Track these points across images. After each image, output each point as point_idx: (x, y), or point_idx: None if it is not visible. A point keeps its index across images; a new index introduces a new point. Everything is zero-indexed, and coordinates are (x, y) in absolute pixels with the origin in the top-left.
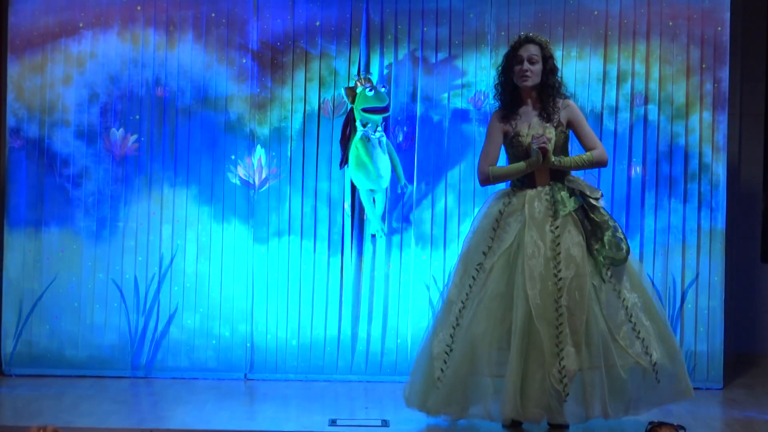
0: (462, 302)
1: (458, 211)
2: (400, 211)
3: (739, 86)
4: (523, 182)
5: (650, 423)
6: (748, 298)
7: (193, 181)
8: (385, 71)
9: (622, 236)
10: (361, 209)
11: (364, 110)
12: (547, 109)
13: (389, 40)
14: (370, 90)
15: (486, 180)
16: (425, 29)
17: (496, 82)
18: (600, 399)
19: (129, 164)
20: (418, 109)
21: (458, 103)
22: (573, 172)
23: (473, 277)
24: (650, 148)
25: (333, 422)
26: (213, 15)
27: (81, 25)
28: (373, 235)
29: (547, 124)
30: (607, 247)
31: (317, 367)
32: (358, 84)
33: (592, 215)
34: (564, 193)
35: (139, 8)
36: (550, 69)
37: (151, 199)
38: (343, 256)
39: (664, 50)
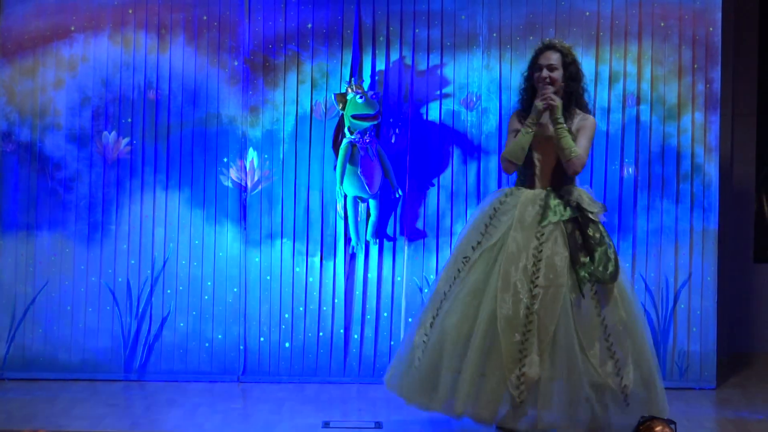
0: (444, 293)
1: (450, 212)
2: (394, 213)
3: (731, 87)
4: (523, 182)
5: (642, 417)
6: (740, 298)
7: (186, 184)
8: (377, 75)
9: (612, 257)
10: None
11: (354, 117)
12: (568, 110)
13: (381, 42)
14: (361, 97)
15: (504, 162)
16: (417, 31)
17: (521, 87)
18: (555, 410)
19: (121, 167)
20: (410, 111)
21: (450, 104)
22: (579, 184)
23: (458, 270)
24: (642, 148)
25: (326, 424)
26: (205, 18)
27: (72, 28)
28: (356, 245)
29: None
30: (596, 264)
31: (310, 370)
32: (349, 90)
33: (586, 229)
34: (557, 201)
35: (130, 11)
36: (570, 75)
37: (144, 203)
38: (336, 258)
39: (655, 51)
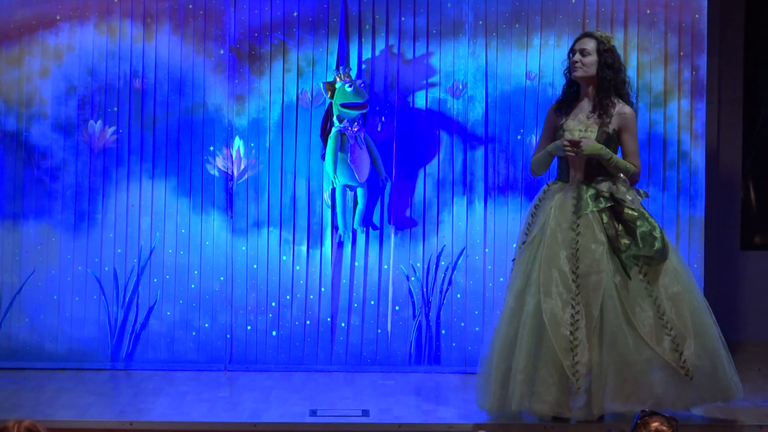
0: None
1: (437, 200)
2: (380, 203)
3: (717, 74)
4: (560, 175)
5: (642, 412)
6: (728, 285)
7: (172, 172)
8: (363, 64)
9: (658, 235)
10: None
11: (343, 105)
12: (601, 104)
13: (367, 30)
14: (350, 86)
15: (531, 169)
16: (403, 19)
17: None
18: (610, 393)
19: (107, 156)
20: (396, 99)
21: (436, 92)
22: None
23: (512, 270)
24: None
25: (313, 413)
26: (190, 6)
27: (58, 17)
28: (343, 234)
29: (593, 122)
30: (641, 244)
31: (297, 358)
32: (338, 79)
33: (625, 212)
34: (590, 193)
35: (116, 0)
36: (605, 63)
37: (130, 192)
38: (323, 246)
39: (641, 38)
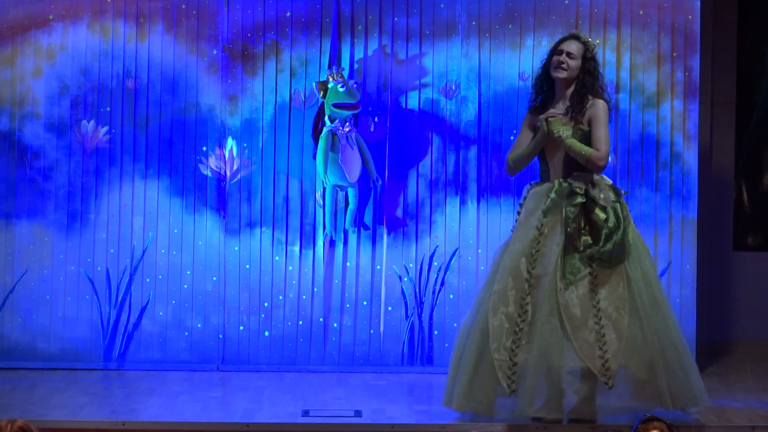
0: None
1: (429, 200)
2: (372, 203)
3: (710, 75)
4: (541, 176)
5: (643, 416)
6: (720, 286)
7: (165, 172)
8: (356, 64)
9: (618, 239)
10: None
11: (335, 106)
12: (575, 107)
13: (359, 30)
14: (342, 86)
15: (508, 167)
16: (396, 19)
17: (537, 73)
18: (538, 396)
19: (100, 156)
20: (389, 99)
21: (429, 92)
22: (605, 174)
23: (494, 272)
24: (622, 136)
25: (306, 413)
26: (183, 6)
27: (51, 17)
28: (332, 234)
29: (568, 121)
30: (600, 246)
31: (290, 359)
32: (330, 78)
33: (591, 214)
34: (564, 191)
35: (109, 0)
36: (588, 70)
37: (123, 192)
38: (315, 247)
39: (634, 39)
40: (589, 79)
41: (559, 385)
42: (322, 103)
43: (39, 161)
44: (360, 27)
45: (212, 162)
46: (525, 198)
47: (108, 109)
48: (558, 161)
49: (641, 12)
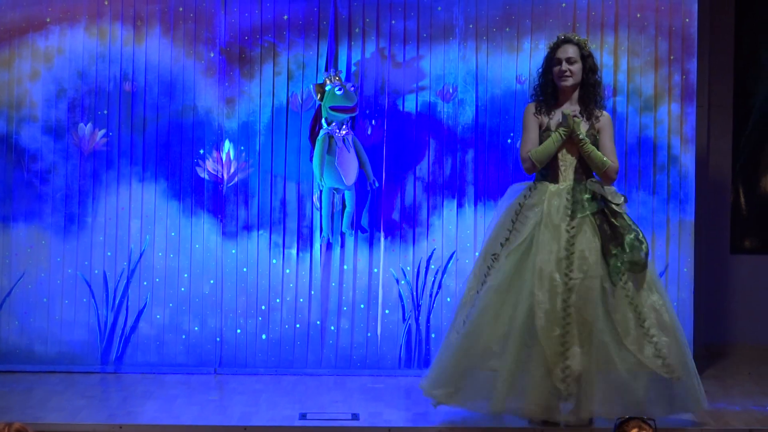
0: (477, 291)
1: (427, 203)
2: (369, 206)
3: (707, 78)
4: (545, 176)
5: (619, 418)
6: (717, 289)
7: (162, 175)
8: (353, 67)
9: (643, 240)
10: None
11: (332, 108)
12: (587, 109)
13: (357, 33)
14: (339, 89)
15: (529, 163)
16: (393, 22)
17: (536, 83)
18: (599, 400)
19: (97, 159)
20: (386, 102)
21: (426, 95)
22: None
23: (488, 267)
24: (619, 139)
25: (303, 416)
26: (180, 9)
27: (48, 20)
28: (330, 237)
29: (583, 121)
30: (627, 251)
31: (287, 362)
32: (327, 81)
33: (612, 220)
34: (586, 196)
35: (106, 3)
36: (589, 68)
37: (120, 195)
38: (312, 250)
39: (632, 42)
40: (591, 76)
41: (620, 387)
42: (319, 105)
43: (36, 164)
44: (357, 30)
45: (209, 165)
46: (526, 196)
47: (105, 112)
48: (570, 163)
49: (638, 15)
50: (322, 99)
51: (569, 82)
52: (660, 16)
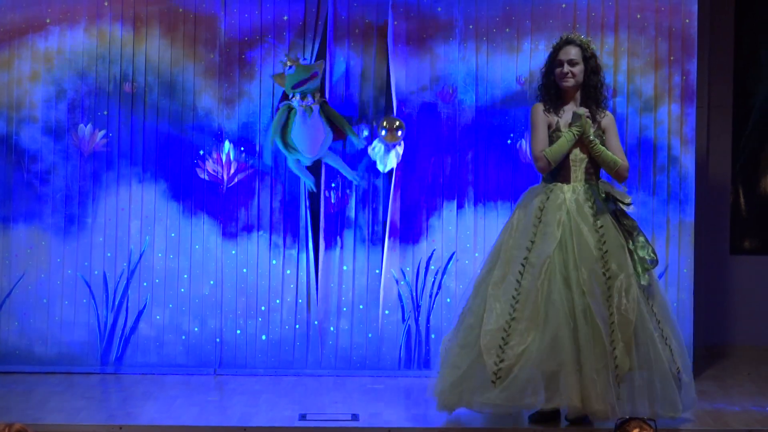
0: (514, 297)
1: (427, 204)
2: (370, 206)
3: (707, 79)
4: (556, 176)
5: (619, 419)
6: (717, 290)
7: (162, 176)
8: (352, 62)
9: (650, 244)
10: (329, 204)
11: (295, 87)
12: (590, 109)
13: (356, 34)
14: (290, 68)
15: (544, 162)
16: (396, 23)
17: (539, 84)
18: (648, 399)
19: (97, 160)
20: (386, 103)
21: (426, 96)
22: (603, 176)
23: (520, 273)
24: (619, 140)
25: (303, 417)
26: (180, 10)
27: (48, 21)
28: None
29: (589, 121)
30: (643, 249)
31: (287, 362)
32: (285, 66)
33: (623, 220)
34: (602, 195)
35: (106, 4)
36: (591, 69)
37: (120, 195)
38: (310, 251)
39: (632, 43)
40: (594, 77)
41: (665, 384)
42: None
43: (36, 165)
44: (357, 30)
45: (209, 166)
46: (546, 198)
47: (105, 112)
48: (581, 162)
49: (638, 16)
50: (286, 86)
51: (570, 83)
52: (660, 16)
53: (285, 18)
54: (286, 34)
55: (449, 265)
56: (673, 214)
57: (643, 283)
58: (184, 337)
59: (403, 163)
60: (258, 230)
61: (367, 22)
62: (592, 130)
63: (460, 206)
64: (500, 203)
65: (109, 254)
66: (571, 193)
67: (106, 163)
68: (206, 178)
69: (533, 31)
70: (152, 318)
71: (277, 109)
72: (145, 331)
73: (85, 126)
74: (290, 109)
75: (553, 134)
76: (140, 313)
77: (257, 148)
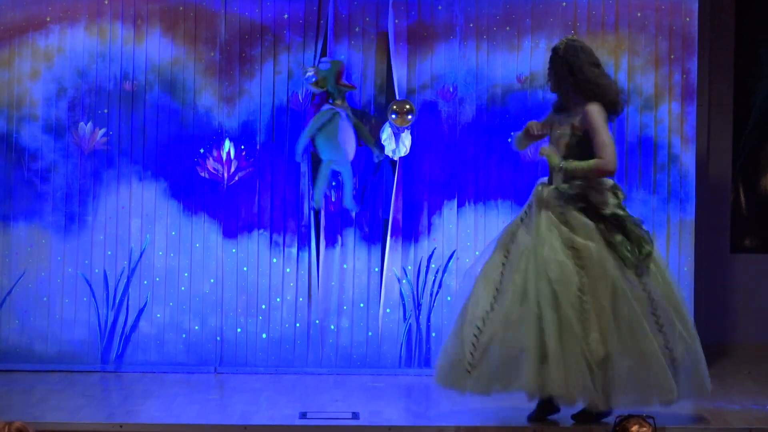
0: (497, 289)
1: (428, 203)
2: (370, 204)
3: (708, 77)
4: (547, 175)
5: (618, 417)
6: (718, 288)
7: (162, 175)
8: (352, 61)
9: (645, 231)
10: (329, 202)
11: (338, 81)
12: (567, 107)
13: (357, 32)
14: (311, 76)
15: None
16: (396, 21)
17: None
18: (629, 386)
19: (98, 158)
20: (387, 102)
21: (426, 95)
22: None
23: (503, 264)
24: (619, 139)
25: (303, 415)
26: (181, 8)
27: (48, 19)
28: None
29: (566, 126)
30: (631, 242)
31: (287, 361)
32: (314, 73)
33: (602, 210)
34: (570, 194)
35: (106, 2)
36: (564, 66)
37: (120, 193)
38: (311, 249)
39: (632, 41)
40: (568, 77)
41: (650, 371)
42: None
43: (36, 163)
44: (357, 29)
45: (210, 164)
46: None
47: (105, 111)
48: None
49: (639, 14)
50: (324, 86)
51: (552, 88)
52: (660, 15)
53: (285, 16)
54: (287, 33)
55: (450, 264)
56: (673, 213)
57: (629, 269)
58: (184, 336)
59: (405, 161)
60: (258, 228)
61: (367, 20)
62: (558, 161)
63: (460, 204)
64: (501, 202)
65: (109, 252)
66: (548, 191)
67: (106, 161)
68: (206, 176)
69: (533, 29)
70: (153, 316)
71: (317, 110)
72: (146, 330)
73: (86, 124)
74: (335, 113)
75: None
76: (141, 311)
77: (258, 147)
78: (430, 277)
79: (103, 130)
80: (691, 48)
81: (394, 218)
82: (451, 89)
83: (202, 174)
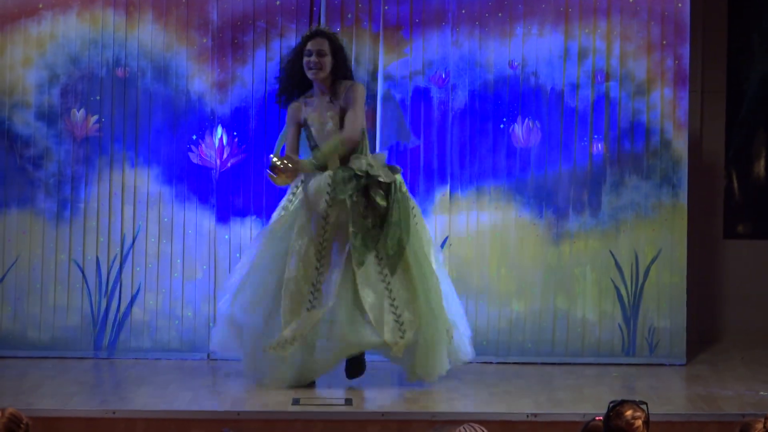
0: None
1: (420, 189)
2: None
3: (700, 63)
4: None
5: (612, 402)
6: (710, 274)
7: (155, 161)
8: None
9: (397, 230)
10: None
11: None
12: (335, 91)
13: (349, 19)
14: None
15: None
16: (386, 8)
17: (283, 74)
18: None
19: (90, 145)
20: (379, 88)
21: (419, 81)
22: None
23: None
24: (612, 124)
25: (296, 401)
26: None
27: (40, 6)
28: None
29: (334, 111)
30: (385, 234)
31: None
32: None
33: (372, 195)
34: (344, 176)
35: None
36: (341, 60)
37: (113, 180)
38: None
39: (624, 27)
40: (343, 69)
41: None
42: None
43: (29, 150)
44: (349, 15)
45: (202, 151)
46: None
47: (98, 97)
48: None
49: (631, 0)
50: None
51: (319, 75)
52: (652, 0)
53: (278, 2)
54: (279, 19)
55: (443, 250)
56: (666, 198)
57: (390, 252)
58: (177, 322)
59: (396, 148)
60: (251, 215)
61: (359, 7)
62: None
63: (453, 190)
64: (493, 188)
65: (102, 239)
66: (317, 180)
67: (99, 147)
68: (199, 162)
69: (526, 15)
70: (145, 303)
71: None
72: (138, 316)
73: (78, 111)
74: None
75: (303, 127)
76: (133, 298)
77: (250, 133)
78: None
79: (95, 117)
80: (684, 34)
81: None
82: (443, 75)
83: (195, 161)
